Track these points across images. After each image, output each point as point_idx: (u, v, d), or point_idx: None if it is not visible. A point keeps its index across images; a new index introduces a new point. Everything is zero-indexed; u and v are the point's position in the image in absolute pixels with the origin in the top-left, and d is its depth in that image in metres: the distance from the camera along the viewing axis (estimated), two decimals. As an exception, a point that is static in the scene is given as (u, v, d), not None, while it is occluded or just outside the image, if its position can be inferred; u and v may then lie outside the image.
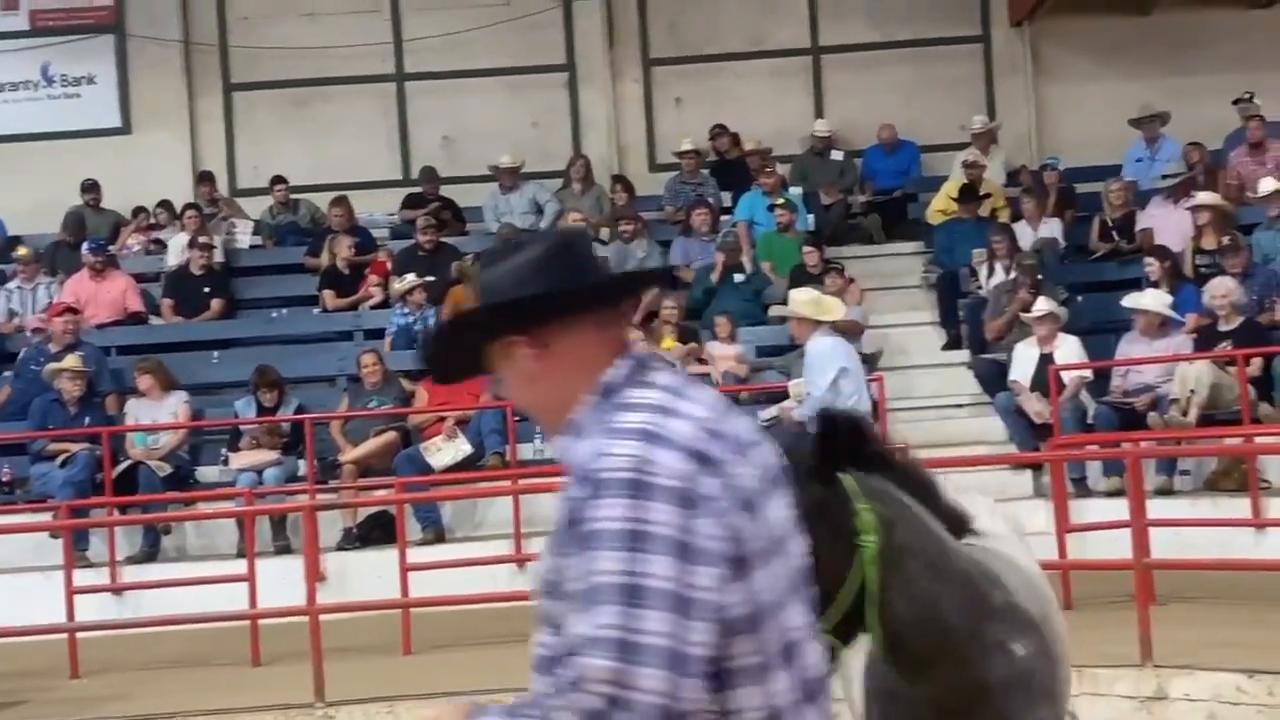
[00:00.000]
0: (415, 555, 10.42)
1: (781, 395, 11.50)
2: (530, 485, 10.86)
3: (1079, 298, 13.37)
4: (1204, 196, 13.37)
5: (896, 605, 3.16)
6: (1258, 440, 10.80)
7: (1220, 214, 13.17)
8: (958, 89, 16.56)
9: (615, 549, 2.07)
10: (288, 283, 15.11)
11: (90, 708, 8.55)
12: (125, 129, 16.81)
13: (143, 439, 12.44)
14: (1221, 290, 11.83)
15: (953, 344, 13.71)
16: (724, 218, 15.08)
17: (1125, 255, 13.85)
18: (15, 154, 16.44)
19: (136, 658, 9.74)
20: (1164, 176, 14.36)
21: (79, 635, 9.47)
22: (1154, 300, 11.96)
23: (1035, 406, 11.79)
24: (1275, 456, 11.06)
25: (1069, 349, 11.97)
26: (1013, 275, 12.95)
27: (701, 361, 12.97)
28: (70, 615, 9.58)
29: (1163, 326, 11.86)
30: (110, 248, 14.99)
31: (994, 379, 12.52)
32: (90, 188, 15.89)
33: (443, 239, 14.70)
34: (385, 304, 14.23)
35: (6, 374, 13.58)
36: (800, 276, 13.15)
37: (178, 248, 15.00)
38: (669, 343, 13.13)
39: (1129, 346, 12.04)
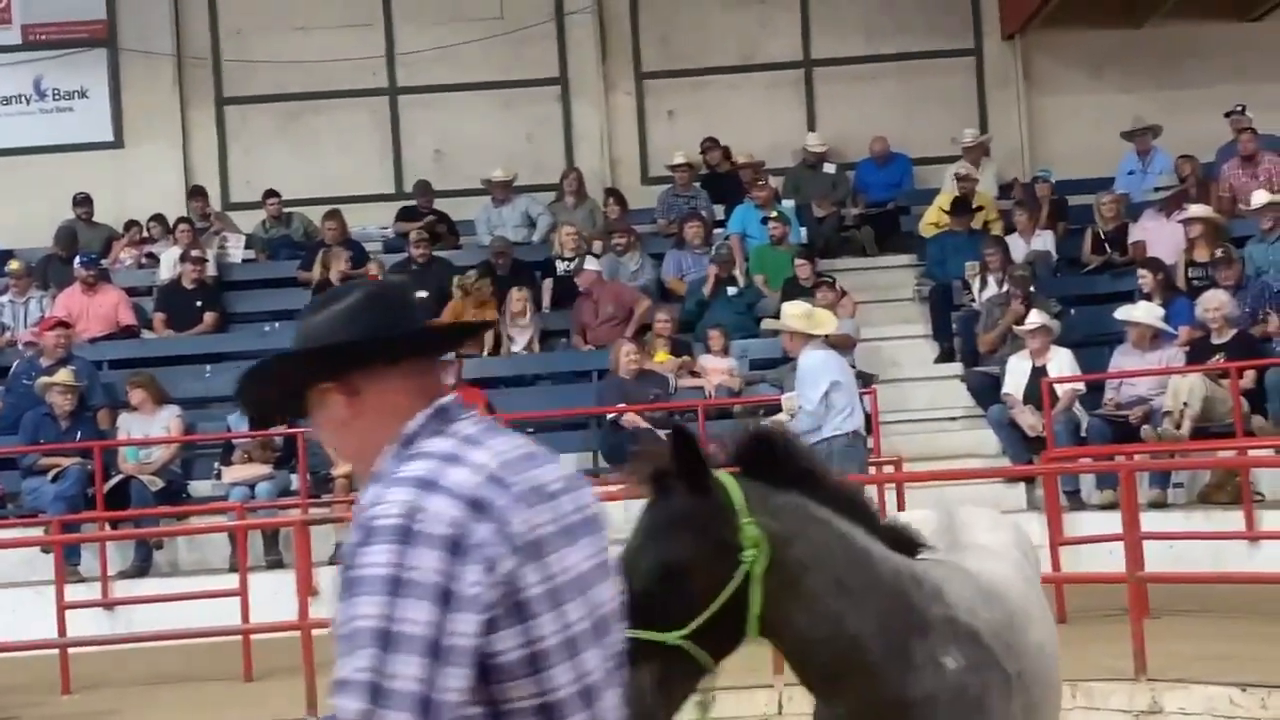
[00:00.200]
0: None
1: (775, 408, 11.48)
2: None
3: (1071, 310, 13.39)
4: (1196, 209, 13.39)
5: (797, 622, 3.15)
6: (1251, 453, 10.78)
7: (1212, 226, 13.19)
8: (950, 102, 16.59)
9: (375, 595, 2.13)
10: (280, 296, 15.08)
11: (81, 724, 8.52)
12: (118, 142, 16.81)
13: (134, 453, 12.41)
14: (1214, 303, 11.84)
15: (945, 357, 13.72)
16: (716, 231, 15.08)
17: (1118, 268, 13.87)
18: (7, 168, 16.43)
19: (128, 673, 9.71)
20: (1156, 189, 14.37)
21: (70, 650, 9.44)
22: (1146, 313, 11.97)
23: (1028, 419, 11.79)
24: (1268, 469, 11.05)
25: (1062, 362, 11.98)
26: (1005, 288, 12.96)
27: (694, 374, 12.97)
28: (62, 630, 9.56)
29: (1155, 339, 11.87)
30: (102, 262, 14.97)
31: (987, 392, 12.52)
32: (82, 201, 15.87)
33: (435, 252, 14.69)
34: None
35: (-2, 388, 13.55)
36: (793, 289, 13.15)
37: (170, 261, 14.98)
38: (662, 355, 13.13)
39: (1122, 359, 12.05)
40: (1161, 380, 11.58)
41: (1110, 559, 8.98)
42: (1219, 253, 12.62)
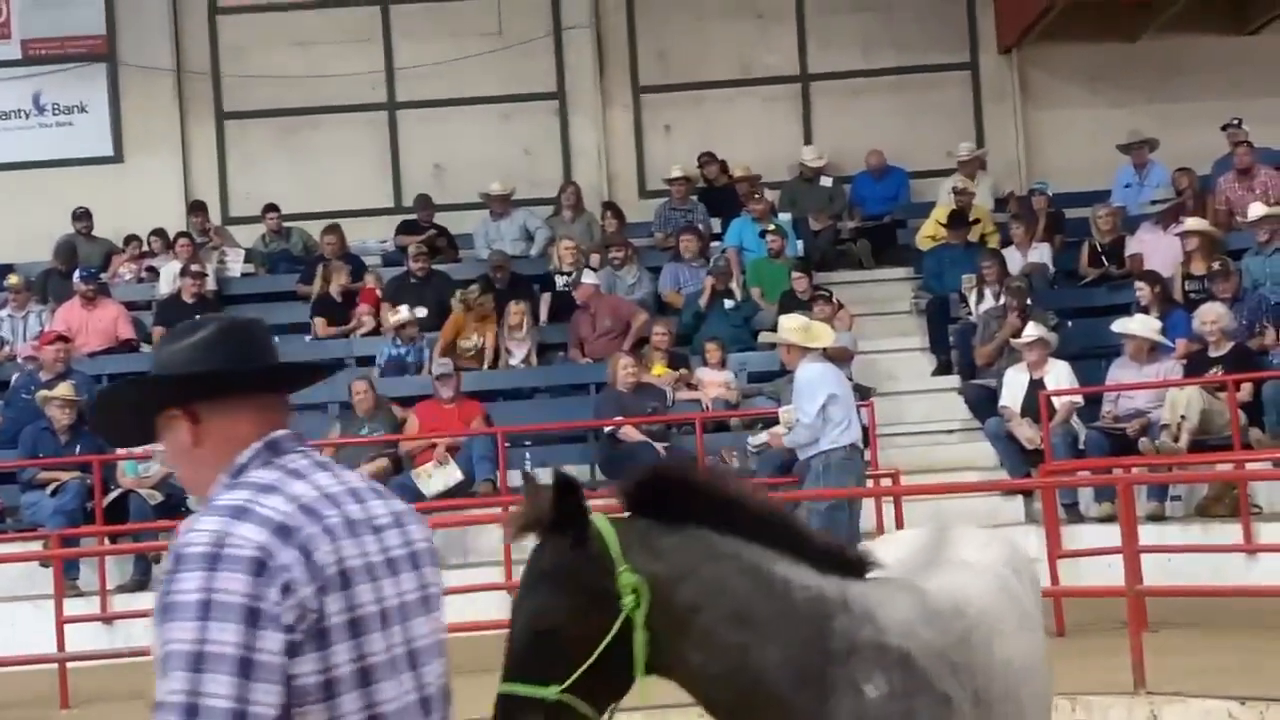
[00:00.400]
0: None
1: (772, 420, 11.51)
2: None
3: (1069, 323, 13.40)
4: (1193, 222, 13.42)
5: (692, 660, 3.13)
6: (1248, 466, 10.78)
7: (1209, 239, 13.21)
8: (946, 115, 16.63)
9: (187, 619, 2.26)
10: (280, 310, 15.09)
11: (80, 738, 8.52)
12: (117, 157, 16.84)
13: (134, 467, 12.41)
14: (1211, 315, 11.85)
15: (943, 369, 13.74)
16: (714, 244, 15.11)
17: (1115, 280, 13.89)
18: (7, 182, 16.45)
19: (127, 687, 9.67)
20: (1153, 202, 14.41)
21: (69, 665, 9.43)
22: (1143, 325, 11.98)
23: (1026, 432, 11.80)
24: (1266, 482, 11.06)
25: (1059, 374, 11.99)
26: (1002, 300, 12.98)
27: (691, 387, 12.98)
28: (60, 645, 9.55)
29: (1153, 352, 11.89)
30: (102, 276, 14.99)
31: (984, 404, 12.53)
32: (82, 216, 15.90)
33: (434, 266, 14.72)
34: (376, 331, 14.25)
35: (-3, 402, 13.56)
36: (790, 302, 13.17)
37: (170, 276, 15.00)
38: (659, 369, 13.15)
39: (1119, 372, 12.06)
40: (1159, 393, 11.60)
41: (1109, 572, 8.99)
42: (1216, 265, 12.64)
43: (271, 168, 16.75)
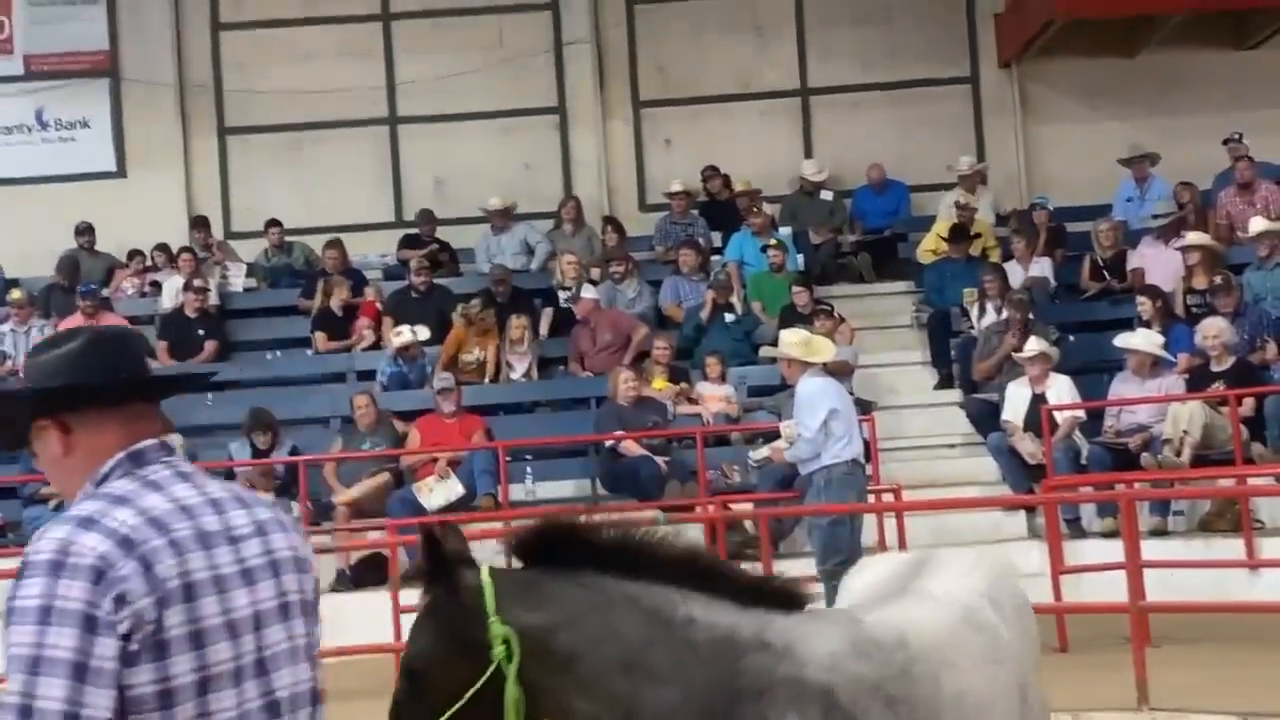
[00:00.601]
0: (408, 597, 10.34)
1: (773, 435, 11.50)
2: (522, 527, 10.80)
3: (1070, 337, 13.40)
4: (1194, 236, 13.43)
5: (578, 708, 3.12)
6: (1251, 481, 10.77)
7: (1210, 254, 13.22)
8: (947, 129, 16.64)
9: (28, 623, 2.33)
10: (282, 325, 15.14)
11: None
12: (120, 172, 16.87)
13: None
14: (1213, 330, 11.86)
15: (944, 384, 13.73)
16: (714, 258, 15.12)
17: (1116, 295, 13.89)
18: (10, 197, 16.47)
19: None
20: (1154, 216, 14.42)
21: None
22: (1145, 340, 11.98)
23: (1028, 447, 11.79)
24: (1269, 497, 11.06)
25: (1061, 389, 11.99)
26: (1004, 315, 12.98)
27: (692, 401, 12.98)
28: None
29: (1155, 366, 11.89)
30: (104, 291, 15.00)
31: (986, 419, 12.52)
32: (85, 230, 15.92)
33: (436, 280, 14.74)
34: (377, 345, 14.26)
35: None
36: (790, 316, 13.17)
37: (172, 290, 15.02)
38: (660, 383, 13.15)
39: (1121, 386, 12.06)
40: (1161, 407, 11.60)
41: (1112, 587, 8.98)
42: (1217, 280, 12.64)
43: (273, 182, 16.78)
